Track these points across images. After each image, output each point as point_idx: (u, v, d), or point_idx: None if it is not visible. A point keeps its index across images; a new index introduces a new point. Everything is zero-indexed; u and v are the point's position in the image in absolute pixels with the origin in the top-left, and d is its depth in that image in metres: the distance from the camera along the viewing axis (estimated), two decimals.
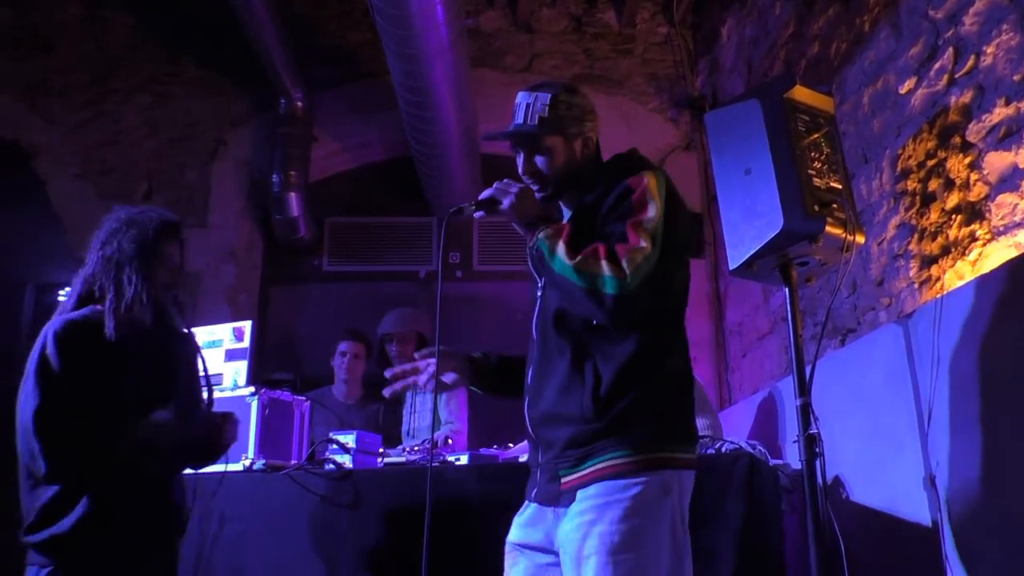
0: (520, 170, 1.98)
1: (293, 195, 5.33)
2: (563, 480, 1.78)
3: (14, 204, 5.77)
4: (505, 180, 1.93)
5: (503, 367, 2.12)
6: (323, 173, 5.80)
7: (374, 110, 5.67)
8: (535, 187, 1.97)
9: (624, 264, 1.70)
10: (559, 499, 1.79)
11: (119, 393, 2.22)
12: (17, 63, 5.71)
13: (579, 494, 1.74)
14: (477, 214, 1.92)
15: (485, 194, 1.91)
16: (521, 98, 1.99)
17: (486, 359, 2.11)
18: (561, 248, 1.77)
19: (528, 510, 1.89)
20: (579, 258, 1.74)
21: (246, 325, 3.60)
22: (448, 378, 2.05)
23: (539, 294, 1.95)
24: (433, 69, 4.45)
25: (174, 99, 5.75)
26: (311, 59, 5.59)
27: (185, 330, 2.48)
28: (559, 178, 1.96)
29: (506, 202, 1.88)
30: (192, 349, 2.53)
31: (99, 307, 2.27)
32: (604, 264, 1.71)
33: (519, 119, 1.96)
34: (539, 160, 1.95)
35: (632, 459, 1.72)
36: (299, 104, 5.47)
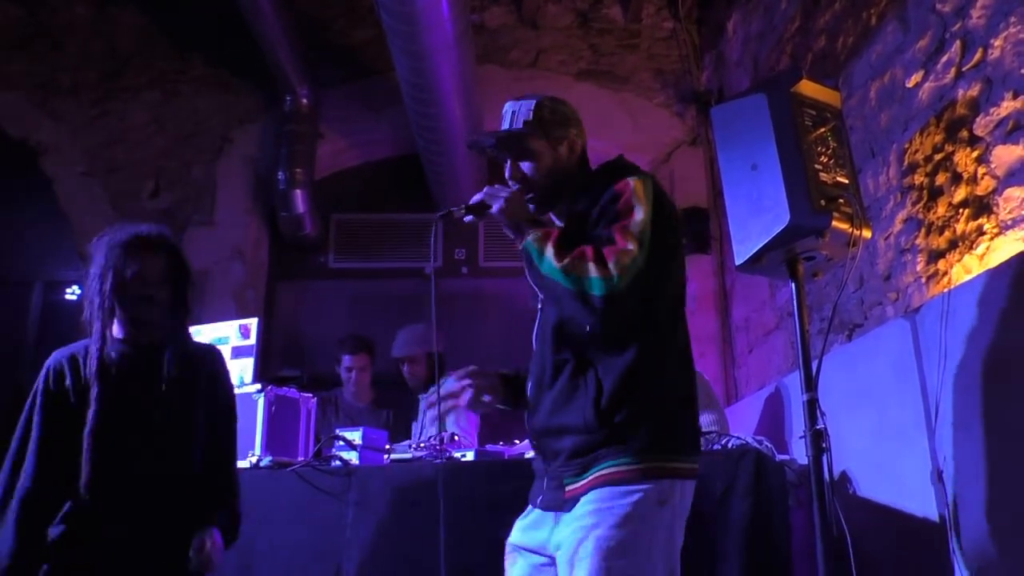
0: (507, 176, 1.99)
1: (299, 192, 5.34)
2: (567, 488, 1.79)
3: (22, 202, 5.80)
4: (495, 184, 1.95)
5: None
6: (329, 170, 5.81)
7: (380, 107, 5.68)
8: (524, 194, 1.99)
9: (611, 266, 1.70)
10: (562, 506, 1.81)
11: (82, 431, 2.20)
12: (26, 62, 5.73)
13: (581, 500, 1.76)
14: (467, 218, 1.94)
15: (475, 198, 1.92)
16: (507, 107, 2.02)
17: (517, 377, 2.10)
18: (550, 250, 1.77)
19: (531, 515, 1.92)
20: (567, 260, 1.74)
21: (252, 322, 3.61)
22: (485, 398, 2.05)
23: (539, 306, 1.96)
24: (439, 65, 4.44)
25: (181, 97, 5.77)
26: (317, 56, 5.59)
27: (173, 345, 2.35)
28: (546, 183, 1.97)
29: (495, 206, 1.88)
30: (193, 368, 2.37)
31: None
32: (591, 266, 1.71)
33: (505, 126, 2.00)
34: (525, 165, 1.97)
35: (632, 467, 1.73)
36: (305, 101, 5.48)
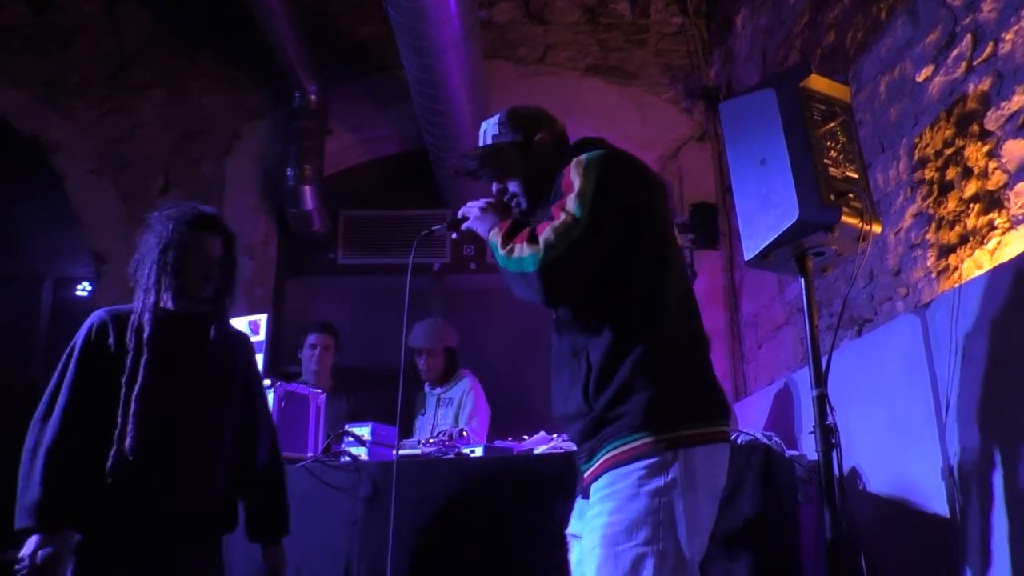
0: (494, 192, 2.06)
1: (307, 188, 5.35)
2: (585, 475, 1.82)
3: (33, 199, 5.83)
4: (476, 200, 2.02)
5: None
6: (337, 166, 5.82)
7: (388, 103, 5.68)
8: (512, 203, 2.05)
9: (540, 240, 1.74)
10: (587, 493, 1.82)
11: (129, 392, 2.23)
12: (35, 60, 5.75)
13: (594, 486, 1.77)
14: (453, 235, 2.03)
15: (456, 214, 2.01)
16: (481, 128, 2.09)
17: None
18: (499, 240, 1.83)
19: (578, 503, 1.94)
20: (508, 246, 1.80)
21: (262, 318, 3.62)
22: None
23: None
24: (446, 61, 4.44)
25: (189, 94, 5.79)
26: (325, 53, 5.60)
27: (222, 327, 2.46)
28: (528, 184, 2.02)
29: (471, 217, 1.96)
30: (232, 346, 2.48)
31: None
32: (524, 246, 1.76)
33: (477, 151, 2.06)
34: (507, 178, 2.04)
35: (633, 444, 1.70)
36: (313, 98, 5.49)
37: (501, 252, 1.81)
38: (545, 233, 1.74)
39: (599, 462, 1.75)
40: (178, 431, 2.27)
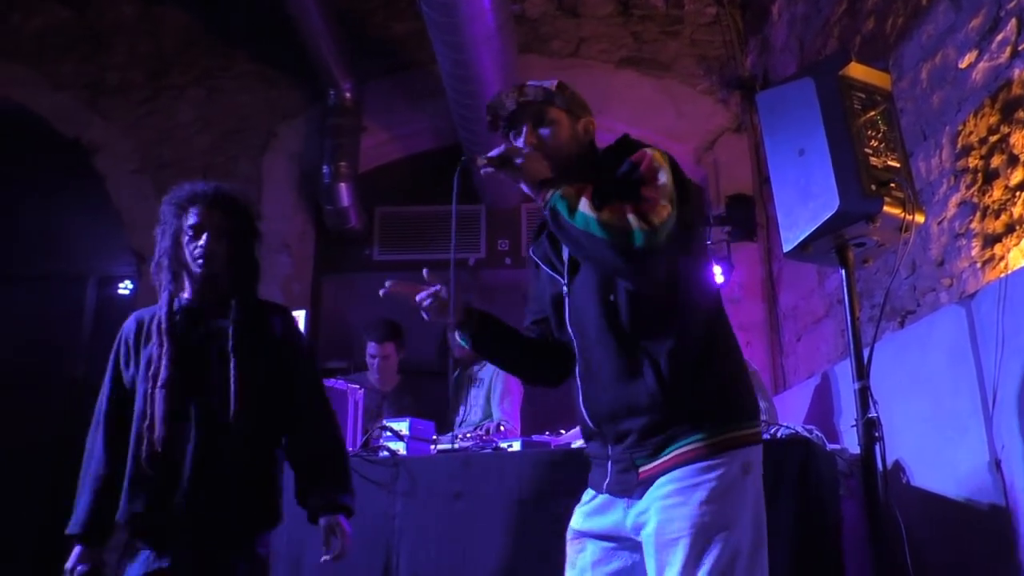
0: (523, 142, 1.94)
1: (343, 185, 5.39)
2: (641, 469, 1.77)
3: (76, 199, 5.95)
4: (516, 144, 1.93)
5: (505, 332, 2.08)
6: (372, 163, 5.85)
7: (422, 99, 5.70)
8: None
9: (652, 218, 1.68)
10: (634, 488, 1.78)
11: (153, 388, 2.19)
12: (76, 62, 5.87)
13: (659, 480, 1.74)
14: (486, 170, 1.87)
15: (496, 151, 1.86)
16: (528, 84, 2.00)
17: (488, 316, 2.05)
18: (584, 203, 1.74)
19: (596, 500, 1.89)
20: (605, 212, 1.71)
21: (299, 314, 3.65)
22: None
23: (564, 291, 1.93)
24: (480, 56, 4.44)
25: (226, 93, 5.86)
26: (359, 50, 5.63)
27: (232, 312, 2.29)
28: (561, 153, 1.93)
29: (518, 160, 1.84)
30: (260, 325, 2.31)
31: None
32: (632, 218, 1.68)
33: (526, 95, 1.96)
34: (544, 131, 1.94)
35: (710, 441, 1.72)
36: (348, 95, 5.52)
37: (591, 214, 1.71)
38: (655, 212, 1.69)
39: (670, 456, 1.73)
40: (197, 425, 2.19)
